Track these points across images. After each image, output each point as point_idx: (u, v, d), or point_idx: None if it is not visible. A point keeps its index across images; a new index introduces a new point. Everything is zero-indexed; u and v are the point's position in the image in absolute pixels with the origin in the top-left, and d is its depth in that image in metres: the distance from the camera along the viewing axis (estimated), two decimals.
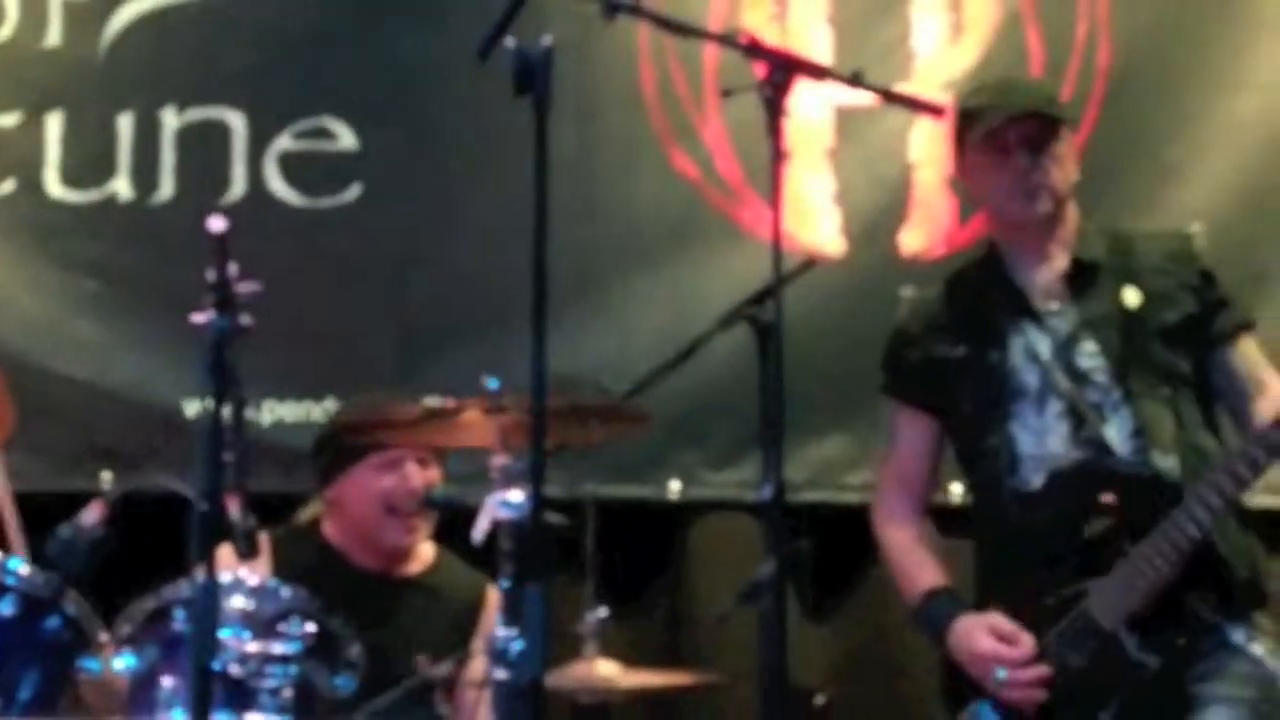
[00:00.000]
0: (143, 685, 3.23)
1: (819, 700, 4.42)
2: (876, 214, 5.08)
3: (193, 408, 4.82)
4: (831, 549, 4.61)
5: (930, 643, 3.76)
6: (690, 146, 5.10)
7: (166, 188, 5.05)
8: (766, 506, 3.06)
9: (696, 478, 5.06)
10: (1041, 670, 3.59)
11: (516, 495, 3.26)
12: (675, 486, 5.05)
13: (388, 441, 4.02)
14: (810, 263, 3.50)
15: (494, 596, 4.18)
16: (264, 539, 3.53)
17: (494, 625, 4.08)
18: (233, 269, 3.02)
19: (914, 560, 3.81)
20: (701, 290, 4.86)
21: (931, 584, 3.75)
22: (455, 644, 4.06)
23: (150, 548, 4.16)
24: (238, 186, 5.04)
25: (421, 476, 4.16)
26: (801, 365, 4.43)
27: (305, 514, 4.38)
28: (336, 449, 4.21)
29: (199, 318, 3.01)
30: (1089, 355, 3.67)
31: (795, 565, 3.35)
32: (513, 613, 3.05)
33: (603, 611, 3.81)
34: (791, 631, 3.03)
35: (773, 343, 3.16)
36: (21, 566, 3.23)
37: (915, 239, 5.08)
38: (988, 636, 3.61)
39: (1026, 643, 3.59)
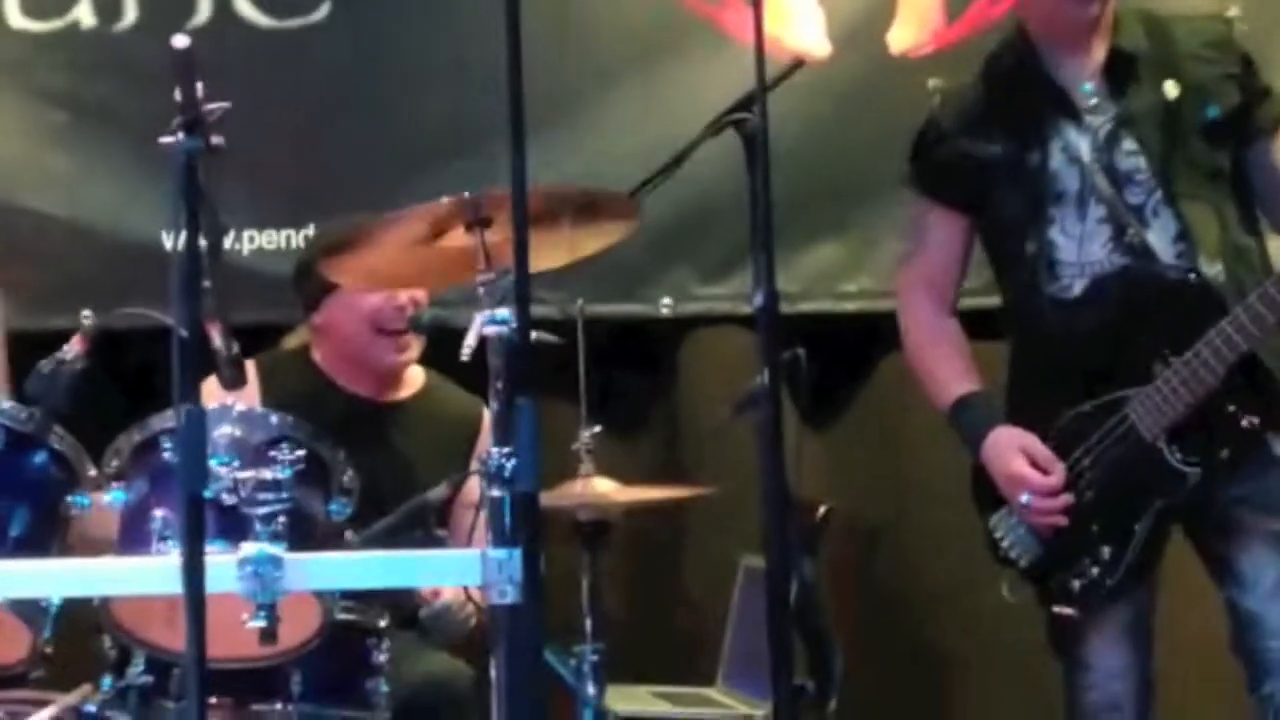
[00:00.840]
0: (134, 518, 3.20)
1: (821, 511, 4.40)
2: (862, 13, 4.96)
3: (170, 240, 4.74)
4: (829, 359, 4.56)
5: (963, 445, 3.72)
6: None
7: (130, 13, 4.93)
8: (759, 317, 3.02)
9: (688, 292, 5.00)
10: (1066, 500, 3.55)
11: (504, 311, 3.20)
12: (667, 302, 5.00)
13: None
14: (796, 65, 3.42)
15: (489, 419, 4.17)
16: (251, 367, 3.50)
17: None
18: (200, 89, 2.93)
19: (944, 363, 3.74)
20: (685, 99, 4.75)
21: (964, 389, 3.70)
22: (451, 466, 4.03)
23: (134, 383, 4.13)
24: (203, 10, 4.93)
25: (407, 294, 4.11)
26: (791, 172, 4.41)
27: (291, 340, 4.34)
28: (319, 275, 4.15)
29: (167, 139, 2.93)
30: (1129, 154, 3.58)
31: (791, 376, 3.32)
32: (504, 430, 3.00)
33: (596, 428, 3.78)
34: (790, 443, 3.00)
35: (760, 149, 3.10)
36: (4, 402, 3.18)
37: (903, 37, 4.96)
38: (1020, 458, 3.58)
39: (1058, 471, 3.55)
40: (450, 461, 4.07)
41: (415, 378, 4.29)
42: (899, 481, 5.00)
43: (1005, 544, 3.65)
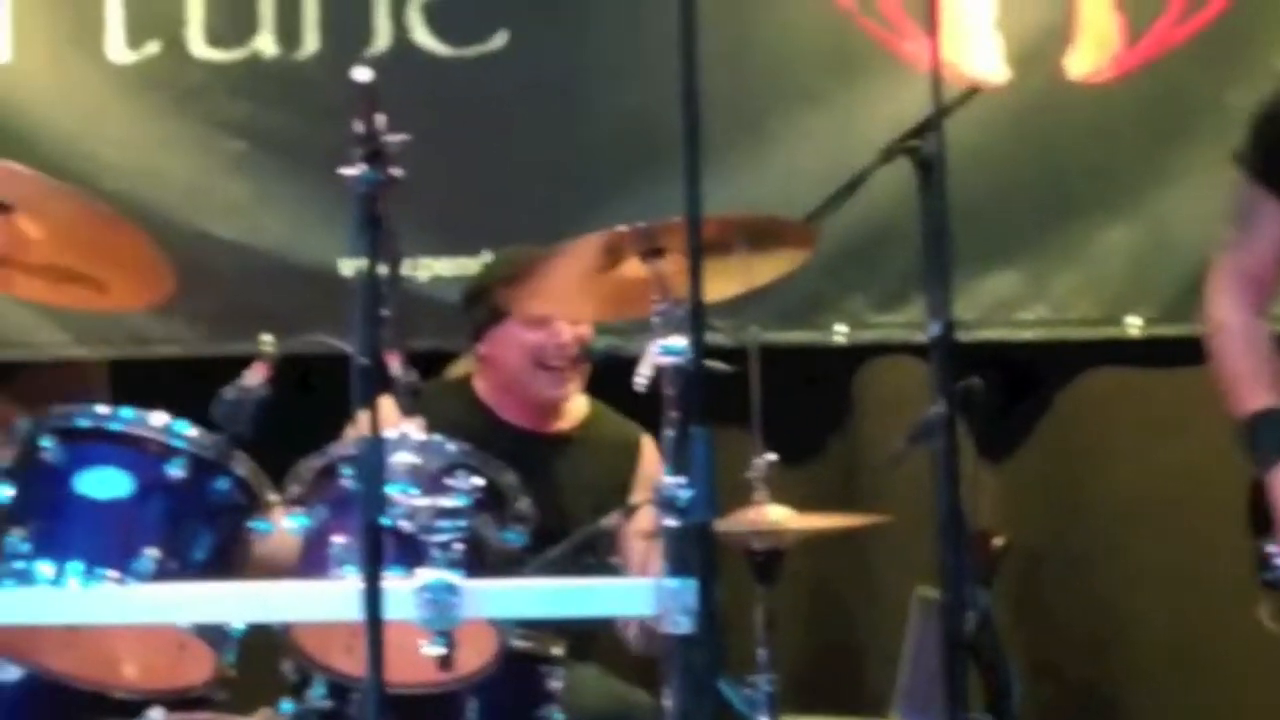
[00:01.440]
0: (314, 544, 3.24)
1: (997, 542, 4.35)
2: (1040, 38, 4.90)
3: (348, 267, 4.80)
4: (1006, 388, 4.52)
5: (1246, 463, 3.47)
6: None
7: (310, 43, 5.00)
8: (935, 346, 3.00)
9: (863, 320, 4.97)
10: None
11: (678, 340, 3.20)
12: (841, 330, 4.97)
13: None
14: (972, 92, 3.39)
15: (649, 445, 4.19)
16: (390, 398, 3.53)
17: (653, 473, 4.13)
18: (380, 120, 2.97)
19: (1248, 369, 3.43)
20: (861, 126, 4.74)
21: (1264, 403, 3.40)
22: (612, 495, 4.05)
23: (313, 408, 4.18)
24: (381, 39, 4.99)
25: (571, 331, 4.13)
26: (967, 199, 4.35)
27: (456, 370, 4.37)
28: (486, 304, 4.18)
29: (349, 171, 2.97)
30: None
31: (967, 405, 3.28)
32: (678, 459, 3.00)
33: (771, 457, 3.77)
34: (966, 473, 2.97)
35: (935, 176, 3.07)
36: (189, 429, 3.23)
37: (1082, 62, 4.90)
38: None
39: None
40: (611, 489, 4.10)
41: (578, 408, 4.31)
42: (1077, 512, 4.93)
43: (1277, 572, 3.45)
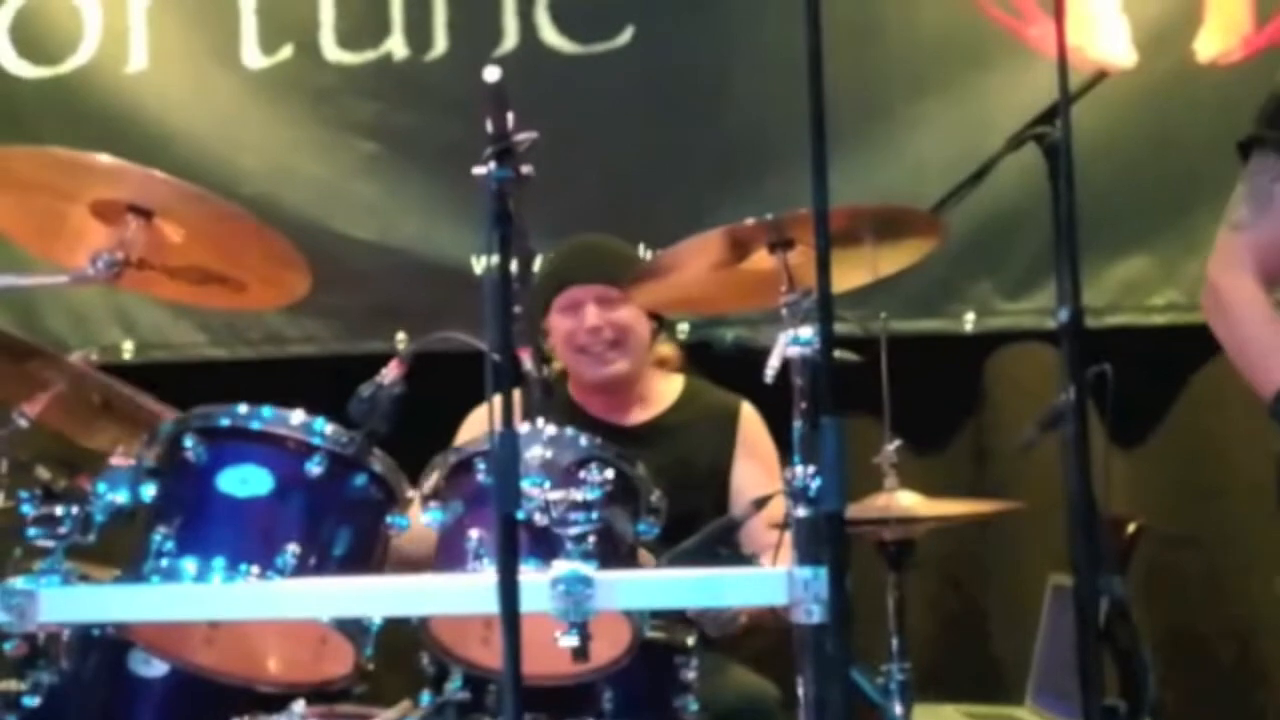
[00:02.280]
0: (451, 537, 3.28)
1: (1130, 528, 4.33)
2: (1167, 20, 4.88)
3: (480, 264, 4.86)
4: (1136, 374, 4.49)
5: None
6: None
7: (440, 44, 5.06)
8: (1065, 332, 2.99)
9: (992, 308, 4.96)
10: None
11: (807, 332, 3.21)
12: (970, 317, 4.96)
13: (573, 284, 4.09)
14: (1100, 76, 3.36)
15: (749, 412, 4.21)
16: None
17: (754, 439, 4.14)
18: (510, 119, 3.00)
19: (1271, 342, 3.42)
20: (988, 113, 4.74)
21: None
22: (712, 465, 4.11)
23: (447, 403, 4.24)
24: (510, 38, 5.04)
25: (597, 315, 4.19)
26: (1095, 184, 4.36)
27: (559, 365, 4.41)
28: (536, 299, 4.24)
29: (479, 170, 3.01)
30: None
31: (1097, 391, 3.26)
32: (809, 450, 3.01)
33: (900, 444, 3.77)
34: (1097, 460, 2.96)
35: (1063, 162, 3.06)
36: (327, 426, 3.28)
37: (1211, 44, 4.86)
38: None
39: None
40: (710, 460, 4.15)
41: (669, 391, 4.33)
42: (1210, 497, 4.89)
43: None
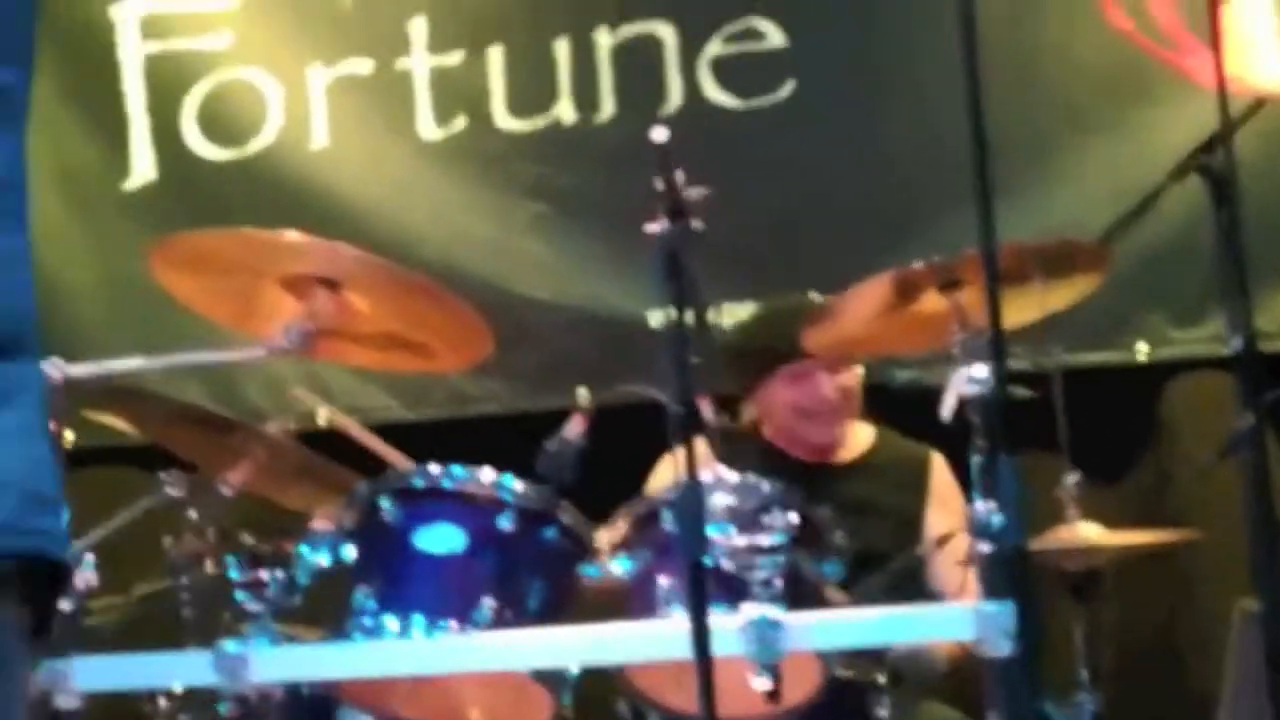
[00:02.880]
0: (641, 585, 3.35)
1: None
2: None
3: (656, 317, 4.94)
4: None
5: None
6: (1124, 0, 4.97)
7: (607, 107, 5.16)
8: (1238, 359, 3.01)
9: (1164, 337, 4.95)
10: None
11: (980, 369, 3.26)
12: (1143, 348, 4.96)
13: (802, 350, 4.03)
14: (1259, 104, 3.39)
15: (938, 462, 4.24)
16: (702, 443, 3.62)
17: (945, 490, 4.18)
18: (680, 176, 3.09)
19: None
20: (1149, 145, 4.74)
21: None
22: (906, 515, 4.14)
23: (629, 453, 4.32)
24: (674, 97, 5.13)
25: (831, 383, 4.19)
26: (1261, 210, 4.34)
27: (747, 415, 4.45)
28: (749, 361, 4.27)
29: (652, 227, 3.09)
30: None
31: (1275, 416, 3.27)
32: (988, 486, 3.06)
33: (1079, 476, 3.79)
34: (1277, 484, 2.97)
35: (1227, 190, 3.09)
36: (516, 483, 3.38)
37: None
38: None
39: None
40: (904, 510, 4.17)
41: (864, 437, 4.36)
42: None
43: None
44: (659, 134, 3.02)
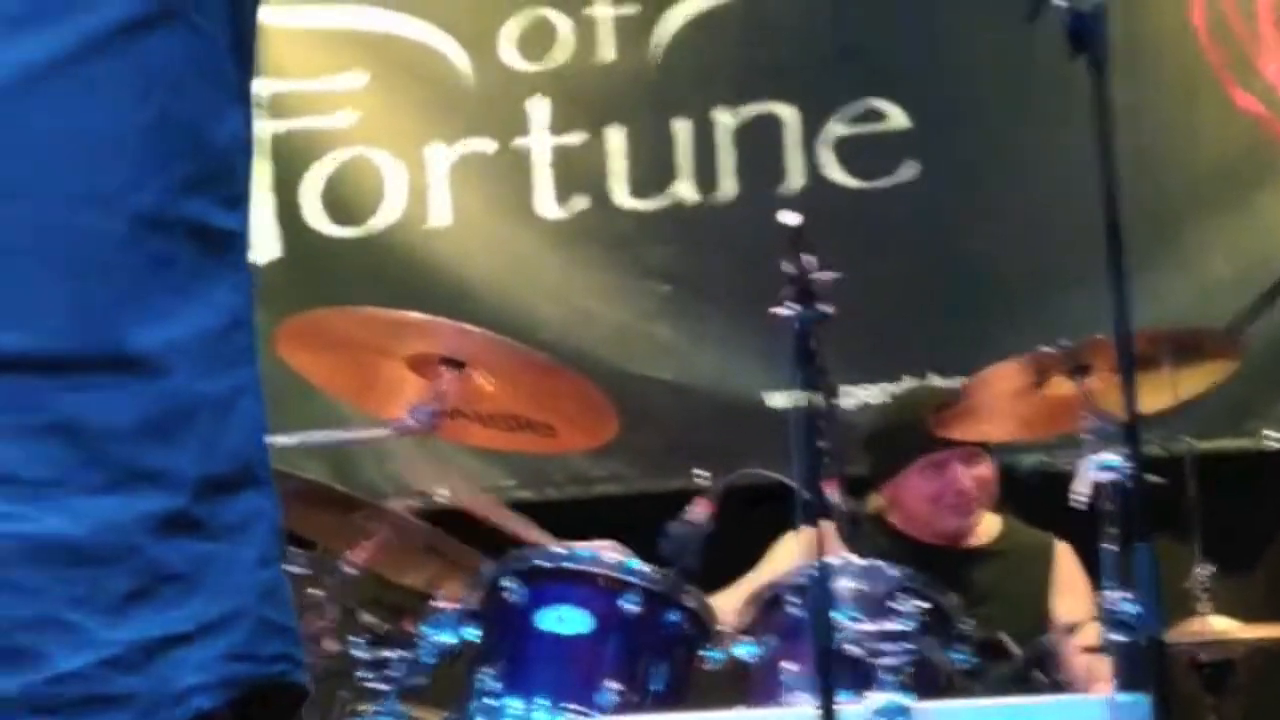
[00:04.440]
0: (766, 671, 3.33)
1: None
2: None
3: (773, 398, 4.92)
4: None
5: None
6: (1250, 82, 4.92)
7: (727, 187, 5.16)
8: None
9: None
10: None
11: (1112, 456, 3.22)
12: (1273, 435, 4.89)
13: (936, 438, 3.99)
14: None
15: (1064, 551, 4.19)
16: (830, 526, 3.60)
17: (1070, 578, 4.13)
18: (809, 260, 3.08)
19: None
20: (1277, 228, 4.69)
21: None
22: (1032, 603, 4.06)
23: (750, 536, 4.30)
24: (795, 177, 5.12)
25: (968, 475, 4.15)
26: None
27: (873, 502, 4.40)
28: (884, 450, 4.24)
29: (781, 311, 3.08)
30: None
31: None
32: (1121, 574, 3.02)
33: (1211, 567, 3.73)
34: None
35: None
36: (640, 565, 3.36)
37: None
38: None
39: None
40: (1030, 598, 4.12)
41: (990, 524, 4.32)
42: None
43: None
44: (789, 217, 3.02)
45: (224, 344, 1.27)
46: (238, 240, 1.29)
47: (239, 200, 1.30)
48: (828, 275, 3.05)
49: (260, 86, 5.29)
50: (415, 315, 3.61)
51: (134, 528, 1.19)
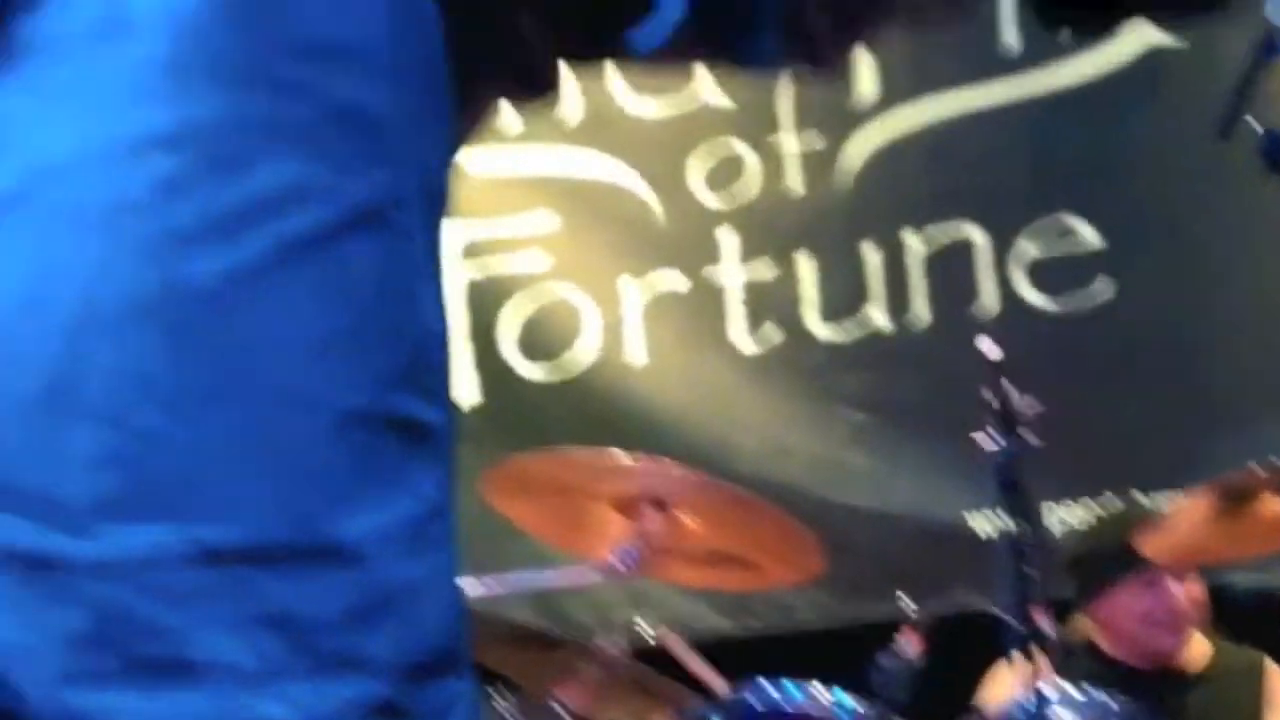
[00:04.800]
0: None
1: None
2: None
3: (974, 521, 4.88)
4: None
5: None
6: None
7: (920, 312, 5.16)
8: None
9: None
10: None
11: None
12: None
13: (1145, 558, 3.93)
14: None
15: (1273, 669, 4.12)
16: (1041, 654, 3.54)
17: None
18: (1010, 390, 3.08)
19: None
20: None
21: None
22: None
23: (955, 664, 4.26)
24: (988, 299, 5.10)
25: (1180, 592, 4.09)
26: None
27: (1079, 625, 4.33)
28: (1090, 571, 4.19)
29: (984, 441, 3.08)
30: None
31: None
32: None
33: None
34: None
35: None
36: (854, 703, 3.34)
37: None
38: None
39: None
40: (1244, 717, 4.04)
41: (1201, 645, 4.24)
42: None
43: None
44: (990, 349, 3.02)
45: (424, 532, 1.29)
46: (439, 431, 1.32)
47: (439, 392, 1.33)
48: (1030, 404, 3.04)
49: (455, 235, 5.41)
50: (617, 455, 3.64)
51: (345, 715, 1.23)
